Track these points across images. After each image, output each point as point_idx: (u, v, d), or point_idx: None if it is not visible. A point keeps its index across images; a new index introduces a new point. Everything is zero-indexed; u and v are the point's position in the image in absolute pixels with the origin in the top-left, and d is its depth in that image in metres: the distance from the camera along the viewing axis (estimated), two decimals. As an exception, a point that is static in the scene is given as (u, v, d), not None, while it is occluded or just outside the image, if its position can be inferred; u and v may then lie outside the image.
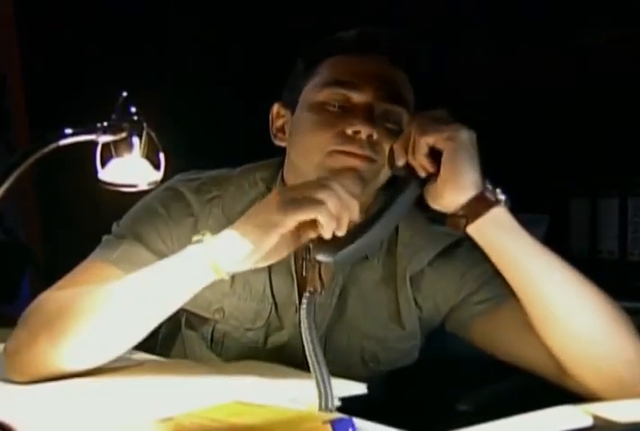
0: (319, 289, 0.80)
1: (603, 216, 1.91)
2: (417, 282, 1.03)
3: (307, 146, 0.97)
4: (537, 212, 1.74)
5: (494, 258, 0.87)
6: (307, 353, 0.75)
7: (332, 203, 0.80)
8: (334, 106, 0.97)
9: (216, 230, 1.01)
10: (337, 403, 0.78)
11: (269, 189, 1.05)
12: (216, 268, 0.83)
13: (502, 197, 0.84)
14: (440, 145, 0.82)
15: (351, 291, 1.02)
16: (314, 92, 0.99)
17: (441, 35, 1.98)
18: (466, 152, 0.82)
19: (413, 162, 0.85)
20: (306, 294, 0.79)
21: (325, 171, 0.94)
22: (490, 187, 0.84)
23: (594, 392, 0.85)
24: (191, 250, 0.86)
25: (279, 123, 1.06)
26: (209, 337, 1.02)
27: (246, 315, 1.01)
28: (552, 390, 0.91)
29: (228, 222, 1.02)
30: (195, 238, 0.86)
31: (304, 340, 0.76)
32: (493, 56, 1.96)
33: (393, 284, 1.03)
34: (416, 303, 1.03)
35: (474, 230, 0.85)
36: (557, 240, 1.83)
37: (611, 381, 0.84)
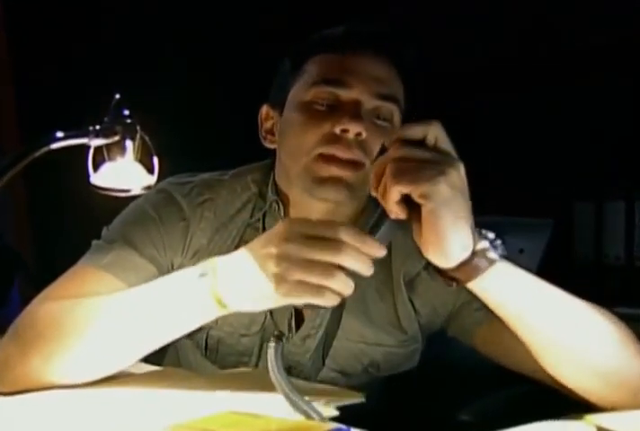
0: (287, 334, 0.78)
1: (609, 220, 1.91)
2: (414, 286, 1.03)
3: (295, 149, 0.98)
4: (540, 216, 1.74)
5: (495, 310, 0.84)
6: (283, 394, 0.75)
7: (336, 287, 0.75)
8: (322, 105, 0.97)
9: (207, 233, 1.02)
10: (335, 412, 0.78)
11: (260, 192, 1.05)
12: (221, 303, 0.80)
13: (494, 256, 0.78)
14: (417, 200, 0.74)
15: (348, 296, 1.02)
16: (301, 91, 0.99)
17: (443, 35, 1.98)
18: (449, 211, 0.74)
19: (384, 204, 0.76)
20: (272, 337, 0.76)
21: (310, 179, 0.95)
22: (481, 247, 0.78)
23: (603, 404, 0.85)
24: (194, 285, 0.82)
25: (268, 125, 1.06)
26: (204, 344, 1.02)
27: (241, 321, 1.01)
28: (556, 399, 0.91)
29: (220, 225, 1.03)
30: (199, 271, 0.82)
31: (274, 383, 0.75)
32: (496, 56, 1.96)
33: (390, 287, 1.03)
34: (414, 307, 1.03)
35: (470, 286, 0.81)
36: (561, 245, 1.83)
37: (624, 394, 0.84)
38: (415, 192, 0.73)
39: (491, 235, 0.79)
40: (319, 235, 0.74)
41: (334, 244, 0.73)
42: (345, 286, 0.75)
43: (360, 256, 0.74)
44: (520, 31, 1.92)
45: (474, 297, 0.99)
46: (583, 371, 0.84)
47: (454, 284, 0.80)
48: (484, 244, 0.78)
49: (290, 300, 0.76)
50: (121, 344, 0.86)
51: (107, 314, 0.86)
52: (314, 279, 0.74)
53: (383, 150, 0.76)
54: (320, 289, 0.74)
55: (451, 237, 0.75)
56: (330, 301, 0.75)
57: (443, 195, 0.72)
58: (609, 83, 1.80)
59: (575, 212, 1.94)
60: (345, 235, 0.73)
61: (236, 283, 0.79)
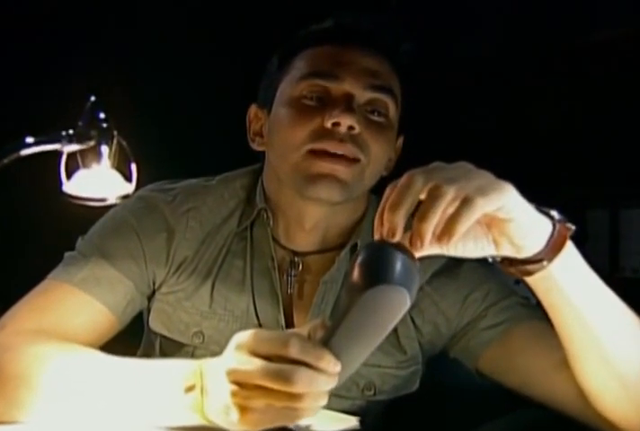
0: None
1: (625, 229, 1.92)
2: (416, 302, 1.04)
3: (284, 146, 0.99)
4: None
5: (555, 302, 0.82)
6: None
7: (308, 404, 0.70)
8: (312, 99, 0.99)
9: (193, 244, 1.03)
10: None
11: (249, 198, 1.07)
12: (208, 420, 0.76)
13: (571, 225, 0.78)
14: (501, 215, 0.72)
15: None
16: (290, 86, 1.01)
17: (448, 32, 2.01)
18: (523, 205, 0.74)
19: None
20: None
21: (301, 177, 0.97)
22: (555, 215, 0.77)
23: (621, 424, 0.87)
24: (180, 400, 0.77)
25: (256, 126, 1.08)
26: (188, 366, 1.03)
27: (229, 339, 1.01)
28: (561, 424, 0.93)
29: (206, 236, 1.04)
30: (185, 381, 0.77)
31: None
32: (507, 55, 1.98)
33: (389, 305, 1.04)
34: (415, 325, 1.05)
35: (546, 273, 0.78)
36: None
37: None
38: (502, 208, 0.71)
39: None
40: (269, 354, 0.70)
41: (285, 370, 0.68)
42: (317, 400, 0.70)
43: (317, 378, 0.68)
44: (522, 28, 1.95)
45: (480, 315, 1.02)
46: (614, 384, 0.84)
47: (539, 266, 0.77)
48: (553, 212, 0.78)
49: (262, 428, 0.72)
50: (92, 414, 0.83)
51: (84, 386, 0.83)
52: (279, 403, 0.69)
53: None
54: (290, 411, 0.70)
55: (533, 224, 0.75)
56: (309, 415, 0.70)
57: (515, 196, 0.73)
58: (622, 85, 1.83)
59: (588, 220, 1.95)
60: (296, 352, 0.68)
61: (220, 405, 0.73)
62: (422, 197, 0.69)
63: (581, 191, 1.93)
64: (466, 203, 0.68)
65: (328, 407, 0.81)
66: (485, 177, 0.72)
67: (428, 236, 0.68)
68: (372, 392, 1.04)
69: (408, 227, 0.69)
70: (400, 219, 0.68)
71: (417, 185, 0.68)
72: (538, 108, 1.93)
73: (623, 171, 1.86)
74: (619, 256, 1.94)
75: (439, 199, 0.67)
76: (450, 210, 0.68)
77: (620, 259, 1.94)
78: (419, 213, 0.68)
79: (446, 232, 0.68)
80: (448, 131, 1.85)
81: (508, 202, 0.71)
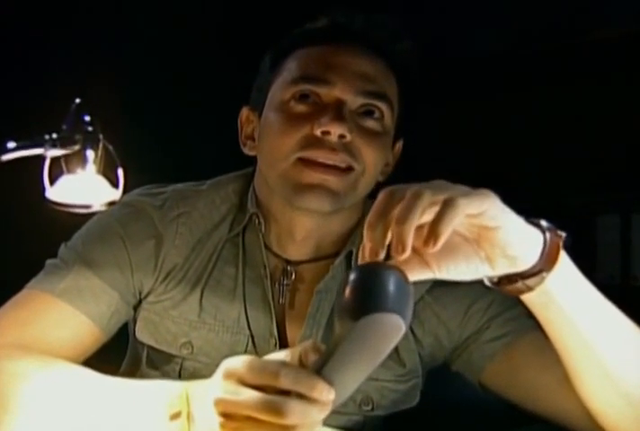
0: None
1: (637, 235, 1.92)
2: (416, 313, 1.03)
3: (273, 153, 0.99)
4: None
5: (553, 317, 0.82)
6: None
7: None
8: (302, 104, 0.99)
9: (183, 251, 1.03)
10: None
11: (241, 203, 1.07)
12: None
13: (561, 232, 0.77)
14: (486, 222, 0.71)
15: None
16: (280, 90, 1.01)
17: (448, 32, 2.02)
18: (508, 212, 0.73)
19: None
20: None
21: (290, 186, 0.97)
22: (545, 224, 0.77)
23: None
24: (165, 427, 0.78)
25: (248, 129, 1.09)
26: (176, 376, 1.03)
27: (219, 350, 1.02)
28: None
29: (197, 242, 1.05)
30: (170, 408, 0.78)
31: None
32: (507, 55, 1.99)
33: (388, 316, 1.04)
34: (415, 337, 1.05)
35: (544, 286, 0.77)
36: (582, 265, 1.84)
37: None
38: (486, 213, 0.70)
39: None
40: (260, 385, 0.69)
41: (277, 402, 0.68)
42: (311, 429, 0.70)
43: (310, 408, 0.68)
44: (522, 28, 1.96)
45: (483, 327, 1.02)
46: (619, 402, 0.85)
47: (538, 280, 0.76)
48: (542, 222, 0.78)
49: None
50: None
51: (64, 409, 0.83)
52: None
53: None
54: None
55: (522, 232, 0.74)
56: None
57: (498, 202, 0.72)
58: (625, 85, 1.83)
59: (598, 227, 1.95)
60: (288, 384, 0.68)
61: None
62: None
63: (590, 197, 1.92)
64: (448, 203, 0.67)
65: (323, 423, 0.82)
66: (463, 187, 0.71)
67: (409, 239, 0.66)
68: (370, 407, 1.04)
69: None
70: (380, 235, 0.67)
71: (395, 197, 0.68)
72: (542, 110, 1.94)
73: (634, 175, 1.86)
74: (631, 264, 1.94)
75: (417, 200, 0.67)
76: (434, 209, 0.68)
77: (632, 266, 1.93)
78: (396, 216, 0.67)
79: (431, 234, 0.66)
80: (449, 133, 1.86)
81: (491, 207, 0.71)
